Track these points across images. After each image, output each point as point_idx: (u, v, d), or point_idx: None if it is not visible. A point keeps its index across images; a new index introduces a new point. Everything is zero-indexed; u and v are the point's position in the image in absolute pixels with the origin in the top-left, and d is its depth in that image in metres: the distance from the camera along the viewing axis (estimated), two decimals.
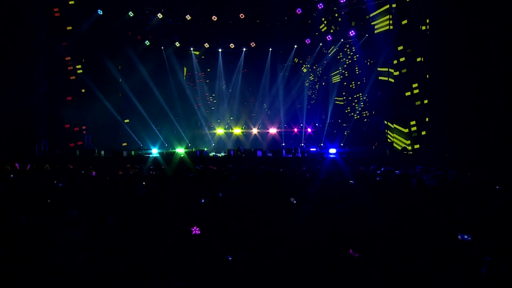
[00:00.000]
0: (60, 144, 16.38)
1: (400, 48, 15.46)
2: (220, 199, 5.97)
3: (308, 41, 20.06)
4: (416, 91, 14.66)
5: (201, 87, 22.48)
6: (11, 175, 8.72)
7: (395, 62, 15.83)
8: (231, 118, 21.88)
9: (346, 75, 20.64)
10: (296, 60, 21.82)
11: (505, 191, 6.68)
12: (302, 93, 21.87)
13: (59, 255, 3.48)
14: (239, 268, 3.30)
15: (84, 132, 17.32)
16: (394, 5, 15.54)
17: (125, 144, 18.90)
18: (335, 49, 19.84)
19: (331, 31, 19.58)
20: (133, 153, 16.25)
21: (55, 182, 7.74)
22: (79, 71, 16.92)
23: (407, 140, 15.16)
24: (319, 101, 22.19)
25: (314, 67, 21.64)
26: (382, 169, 10.21)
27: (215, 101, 23.03)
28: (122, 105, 18.91)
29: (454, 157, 12.24)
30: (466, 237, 3.95)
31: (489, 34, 11.59)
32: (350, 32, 18.66)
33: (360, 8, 17.39)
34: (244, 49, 21.46)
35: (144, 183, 7.88)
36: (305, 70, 21.79)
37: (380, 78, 16.99)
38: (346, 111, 20.50)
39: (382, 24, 16.60)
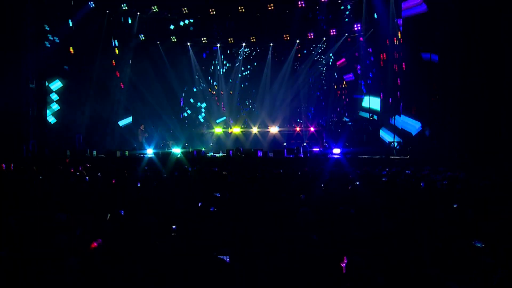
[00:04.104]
0: (50, 143, 16.37)
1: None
2: (218, 200, 5.98)
3: (311, 35, 20.05)
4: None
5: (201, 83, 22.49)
6: None
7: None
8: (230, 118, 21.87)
9: (350, 70, 20.65)
10: (298, 55, 21.78)
11: None
12: (304, 90, 21.86)
13: (50, 260, 3.49)
14: (237, 271, 3.31)
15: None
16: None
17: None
18: (339, 44, 19.85)
19: (335, 25, 19.56)
20: (127, 153, 16.23)
21: (44, 183, 7.74)
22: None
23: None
24: (321, 98, 22.19)
25: (317, 62, 21.61)
26: (387, 169, 10.22)
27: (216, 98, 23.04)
28: (116, 103, 18.92)
29: (465, 157, 12.23)
30: (478, 244, 3.94)
31: (502, 30, 11.59)
32: (355, 26, 18.65)
33: (366, 1, 17.39)
34: (244, 44, 21.45)
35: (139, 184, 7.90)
36: (307, 66, 21.76)
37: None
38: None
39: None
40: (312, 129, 18.87)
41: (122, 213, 5.31)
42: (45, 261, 3.43)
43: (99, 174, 9.56)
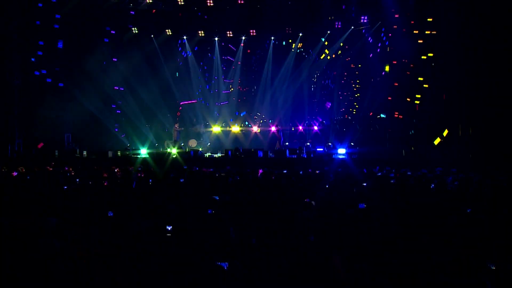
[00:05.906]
0: (37, 143, 16.36)
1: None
2: (217, 203, 5.99)
3: (314, 28, 20.04)
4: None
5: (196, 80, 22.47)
6: None
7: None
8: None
9: (357, 65, 20.68)
10: (301, 49, 21.76)
11: None
12: (307, 87, 21.84)
13: (37, 266, 3.50)
14: (235, 278, 3.32)
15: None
16: None
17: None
18: (344, 37, 19.86)
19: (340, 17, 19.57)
20: (119, 153, 16.23)
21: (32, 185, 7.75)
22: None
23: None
24: (325, 96, 22.20)
25: (321, 57, 21.61)
26: (393, 170, 10.24)
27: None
28: (106, 100, 18.89)
29: (479, 158, 12.25)
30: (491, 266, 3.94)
31: None
32: (362, 19, 18.65)
33: None
34: (243, 38, 21.42)
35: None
36: (310, 61, 21.75)
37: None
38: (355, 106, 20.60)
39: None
40: (315, 128, 18.89)
41: (112, 216, 5.34)
42: (36, 266, 3.45)
43: (89, 175, 9.57)
